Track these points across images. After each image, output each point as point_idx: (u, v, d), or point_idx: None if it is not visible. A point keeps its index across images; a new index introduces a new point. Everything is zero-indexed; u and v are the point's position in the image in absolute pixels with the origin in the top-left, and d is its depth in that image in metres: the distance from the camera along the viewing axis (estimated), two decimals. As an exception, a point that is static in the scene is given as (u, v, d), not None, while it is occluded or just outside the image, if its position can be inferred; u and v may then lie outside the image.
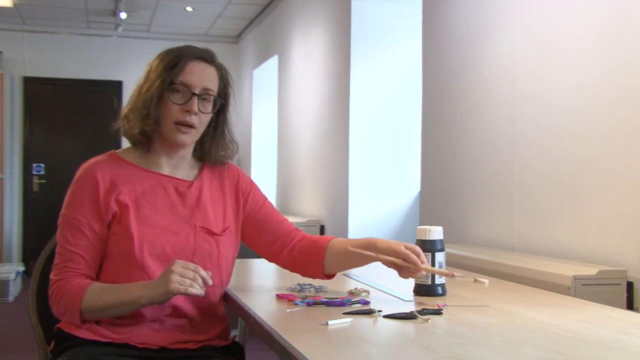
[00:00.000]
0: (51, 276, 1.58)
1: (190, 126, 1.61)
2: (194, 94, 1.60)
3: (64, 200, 1.62)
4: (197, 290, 1.45)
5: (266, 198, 1.81)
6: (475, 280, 1.53)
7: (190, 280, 1.44)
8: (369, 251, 1.59)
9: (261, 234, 1.76)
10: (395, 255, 1.55)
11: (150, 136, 1.63)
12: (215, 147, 1.70)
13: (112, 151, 1.67)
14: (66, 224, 1.58)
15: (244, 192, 1.76)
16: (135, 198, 1.59)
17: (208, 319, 1.65)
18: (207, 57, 1.65)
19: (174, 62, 1.61)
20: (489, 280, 1.58)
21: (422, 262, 1.54)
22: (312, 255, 1.72)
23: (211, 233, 1.65)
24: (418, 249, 1.57)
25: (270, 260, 1.80)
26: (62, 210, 1.60)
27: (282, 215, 1.81)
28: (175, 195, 1.64)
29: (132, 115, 1.62)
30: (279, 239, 1.75)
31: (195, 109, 1.60)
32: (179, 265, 1.46)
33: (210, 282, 1.47)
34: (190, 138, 1.63)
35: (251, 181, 1.81)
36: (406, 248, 1.56)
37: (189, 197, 1.65)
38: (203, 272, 1.46)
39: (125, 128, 1.64)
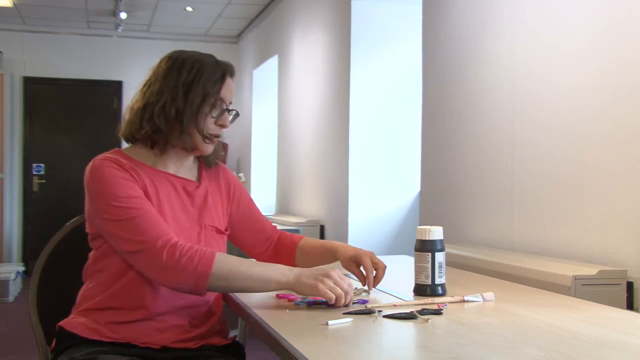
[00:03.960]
0: (149, 241, 1.46)
1: (217, 137, 1.67)
2: (227, 109, 1.66)
3: (90, 203, 1.54)
4: (339, 303, 1.44)
5: (251, 198, 1.88)
6: (485, 300, 1.56)
7: (340, 291, 1.43)
8: (329, 256, 1.75)
9: (251, 233, 1.84)
10: (355, 267, 1.68)
11: (167, 137, 1.61)
12: (215, 150, 1.72)
13: (117, 149, 1.66)
14: (123, 204, 1.49)
15: (235, 194, 1.81)
16: (154, 192, 1.60)
17: (208, 318, 1.66)
18: (234, 72, 1.69)
19: (216, 76, 1.62)
20: (493, 293, 1.60)
21: (371, 283, 1.63)
22: (286, 255, 1.83)
23: (219, 231, 1.70)
24: (381, 266, 1.64)
25: (252, 257, 1.87)
26: (105, 201, 1.50)
27: (262, 213, 1.90)
28: (184, 195, 1.66)
29: (149, 114, 1.59)
30: (267, 239, 1.85)
31: (229, 124, 1.67)
32: (336, 274, 1.46)
33: (349, 305, 1.47)
34: (213, 148, 1.68)
35: (240, 182, 1.87)
36: (370, 263, 1.65)
37: (196, 197, 1.68)
38: (351, 296, 1.46)
39: (137, 125, 1.61)
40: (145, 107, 1.61)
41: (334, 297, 1.43)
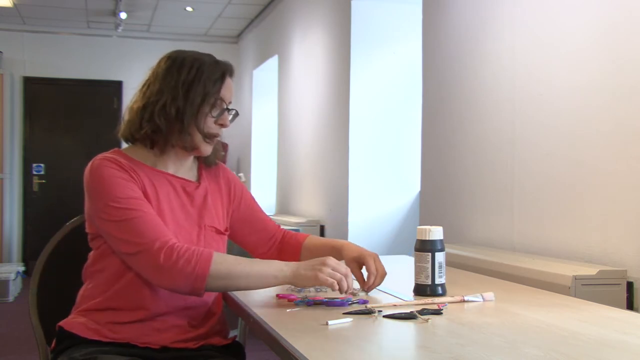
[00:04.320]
0: (146, 243, 1.46)
1: (217, 137, 1.67)
2: (227, 109, 1.66)
3: (91, 201, 1.53)
4: (343, 288, 1.47)
5: (253, 197, 1.88)
6: (485, 300, 1.56)
7: (340, 275, 1.47)
8: (333, 253, 1.70)
9: (254, 233, 1.84)
10: (357, 267, 1.67)
11: (167, 137, 1.61)
12: (215, 149, 1.72)
13: (117, 149, 1.66)
14: (122, 205, 1.50)
15: (236, 194, 1.81)
16: (154, 193, 1.60)
17: (208, 318, 1.66)
18: (233, 72, 1.69)
19: (216, 75, 1.62)
20: (493, 293, 1.59)
21: (368, 285, 1.62)
22: (291, 254, 1.82)
23: (219, 232, 1.70)
24: (380, 272, 1.63)
25: (255, 257, 1.86)
26: (104, 201, 1.50)
27: (264, 212, 1.90)
28: (184, 195, 1.66)
29: (149, 114, 1.59)
30: (270, 238, 1.85)
31: (229, 124, 1.67)
32: (332, 261, 1.49)
33: (352, 292, 1.51)
34: (212, 148, 1.68)
35: (240, 182, 1.87)
36: (373, 265, 1.64)
37: (196, 197, 1.68)
38: (351, 279, 1.50)
39: (137, 125, 1.61)
40: (145, 107, 1.60)
41: (335, 282, 1.45)
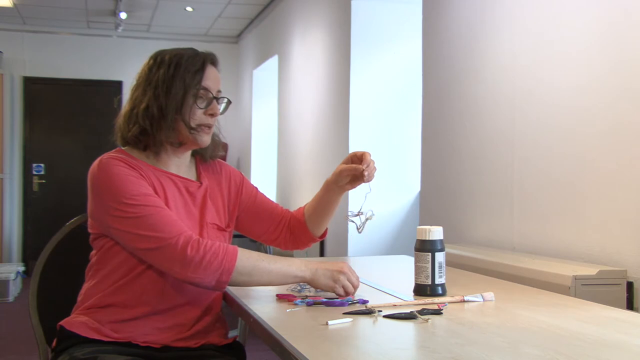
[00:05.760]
0: (170, 237, 1.47)
1: (210, 127, 1.65)
2: (214, 97, 1.65)
3: (105, 198, 1.52)
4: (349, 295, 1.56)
5: (255, 187, 1.88)
6: (485, 300, 1.57)
7: (352, 288, 1.56)
8: (327, 189, 1.81)
9: (260, 221, 1.84)
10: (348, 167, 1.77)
11: (155, 136, 1.62)
12: (214, 145, 1.72)
13: (120, 148, 1.67)
14: (137, 202, 1.50)
15: (237, 186, 1.81)
16: (161, 191, 1.61)
17: (207, 316, 1.66)
18: (216, 60, 1.69)
19: (196, 67, 1.62)
20: (493, 293, 1.60)
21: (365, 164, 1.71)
22: (302, 234, 1.85)
23: (221, 229, 1.71)
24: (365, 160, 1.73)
25: (270, 244, 1.88)
26: (117, 199, 1.50)
27: (270, 199, 1.90)
28: (187, 195, 1.67)
29: (135, 117, 1.61)
30: (279, 223, 1.85)
31: (219, 112, 1.66)
32: (348, 270, 1.56)
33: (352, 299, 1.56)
34: (209, 138, 1.67)
35: (240, 173, 1.87)
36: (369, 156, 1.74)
37: (197, 196, 1.69)
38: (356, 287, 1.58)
39: (125, 128, 1.63)
40: (131, 110, 1.63)
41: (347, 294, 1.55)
